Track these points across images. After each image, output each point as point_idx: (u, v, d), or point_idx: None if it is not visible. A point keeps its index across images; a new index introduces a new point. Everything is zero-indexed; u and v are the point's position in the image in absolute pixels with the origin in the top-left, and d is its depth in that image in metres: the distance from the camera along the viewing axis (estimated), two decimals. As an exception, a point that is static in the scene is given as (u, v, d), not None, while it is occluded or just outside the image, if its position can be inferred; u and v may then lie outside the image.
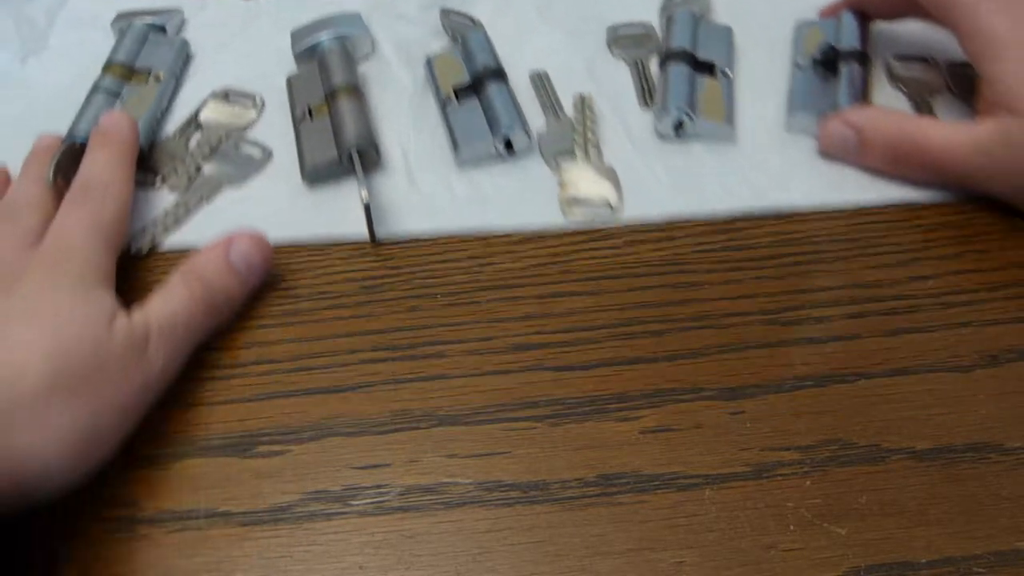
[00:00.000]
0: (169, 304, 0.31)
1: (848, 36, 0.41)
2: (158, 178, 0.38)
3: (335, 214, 0.37)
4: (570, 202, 0.37)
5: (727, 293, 0.34)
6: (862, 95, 0.39)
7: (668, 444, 0.30)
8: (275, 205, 0.38)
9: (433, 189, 0.38)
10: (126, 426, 0.29)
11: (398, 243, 0.36)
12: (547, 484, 0.29)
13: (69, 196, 0.33)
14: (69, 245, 0.31)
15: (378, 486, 0.29)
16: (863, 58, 0.40)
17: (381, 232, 0.36)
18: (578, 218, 0.36)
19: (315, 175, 0.38)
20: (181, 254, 0.35)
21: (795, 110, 0.39)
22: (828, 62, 0.40)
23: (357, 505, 0.29)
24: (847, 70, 0.39)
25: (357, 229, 0.36)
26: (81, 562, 0.28)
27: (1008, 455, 0.29)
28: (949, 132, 0.35)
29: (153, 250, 0.36)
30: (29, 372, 0.27)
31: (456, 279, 0.35)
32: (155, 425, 0.31)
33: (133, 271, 0.35)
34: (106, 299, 0.30)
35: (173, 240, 0.37)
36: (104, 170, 0.34)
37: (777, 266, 0.35)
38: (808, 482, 0.29)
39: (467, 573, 0.27)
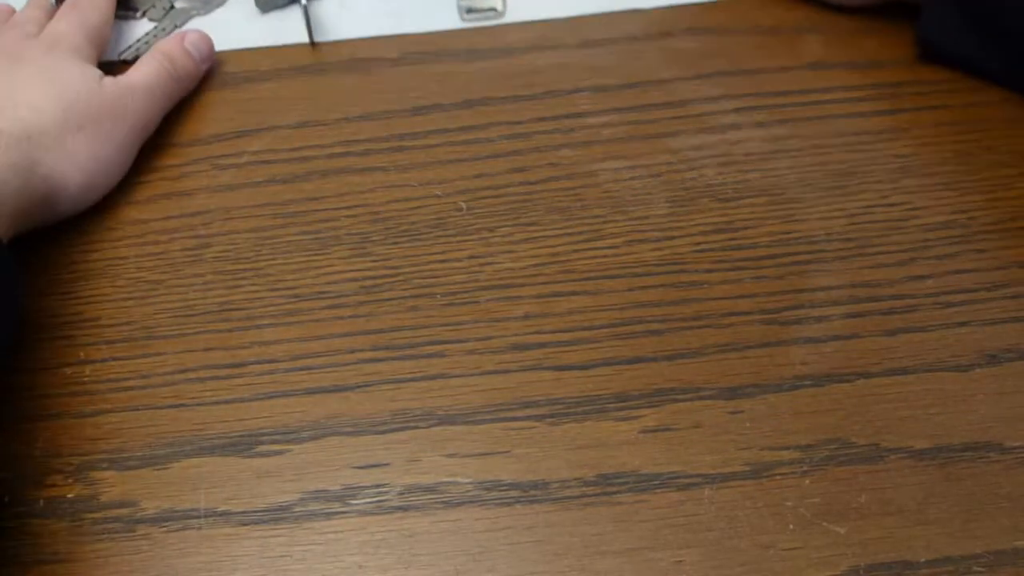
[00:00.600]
0: (142, 70, 0.40)
1: None
2: (139, 12, 0.47)
3: (282, 31, 0.46)
4: (466, 10, 0.46)
5: (726, 293, 0.34)
6: None
7: (667, 444, 0.30)
8: (234, 27, 0.46)
9: (359, 5, 0.47)
10: (123, 160, 0.38)
11: (331, 42, 0.45)
12: (546, 484, 0.29)
13: (61, 9, 0.42)
14: (62, 34, 0.40)
15: (378, 485, 0.29)
16: None
17: (317, 37, 0.45)
18: (470, 23, 0.45)
19: (266, 4, 0.47)
20: None
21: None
22: None
23: (357, 504, 0.29)
24: None
25: (300, 38, 0.45)
26: (81, 562, 0.28)
27: (1007, 454, 0.29)
28: None
29: (136, 59, 0.43)
30: (45, 111, 0.36)
31: (456, 279, 0.35)
32: (155, 425, 0.31)
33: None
34: (94, 68, 0.39)
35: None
36: None
37: (777, 266, 0.35)
38: (807, 481, 0.29)
39: (466, 572, 0.27)
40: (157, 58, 0.41)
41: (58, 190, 0.35)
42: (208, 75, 0.44)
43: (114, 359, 0.33)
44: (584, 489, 0.29)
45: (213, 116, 0.42)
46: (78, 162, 0.36)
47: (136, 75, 0.40)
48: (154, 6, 0.47)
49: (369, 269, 0.36)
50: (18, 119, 0.35)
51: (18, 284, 0.33)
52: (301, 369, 0.33)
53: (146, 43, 0.45)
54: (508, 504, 0.29)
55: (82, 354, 0.33)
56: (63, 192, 0.36)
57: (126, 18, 0.47)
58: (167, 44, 0.42)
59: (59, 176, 0.35)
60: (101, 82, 0.38)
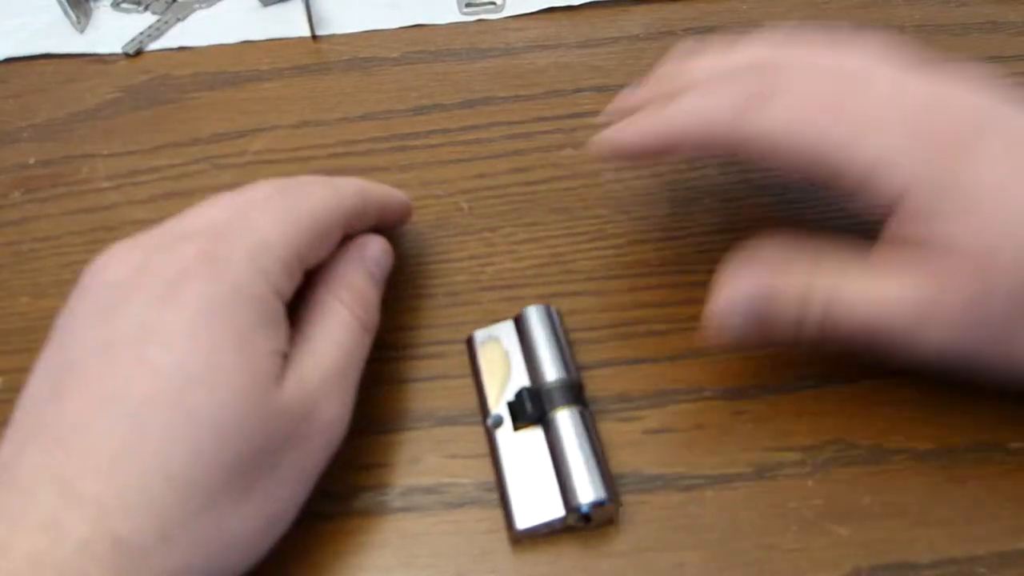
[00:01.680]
0: (333, 334, 0.26)
1: None
2: (142, 6, 0.48)
3: (283, 23, 0.47)
4: (465, 3, 0.47)
5: (729, 293, 0.34)
6: None
7: (670, 444, 0.30)
8: (236, 19, 0.47)
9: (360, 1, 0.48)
10: (307, 492, 0.25)
11: (332, 36, 0.45)
12: (548, 484, 0.29)
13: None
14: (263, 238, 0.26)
15: (378, 486, 0.29)
16: None
17: (319, 30, 0.45)
18: (469, 16, 0.46)
19: None
20: (161, 52, 0.45)
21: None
22: None
23: (357, 505, 0.29)
24: None
25: (301, 31, 0.46)
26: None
27: (1011, 456, 0.29)
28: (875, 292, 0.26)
29: (139, 52, 0.44)
30: (189, 473, 0.22)
31: (457, 279, 0.35)
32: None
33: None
34: (272, 364, 0.24)
35: (154, 45, 0.46)
36: None
37: (779, 266, 0.35)
38: (810, 482, 0.29)
39: (468, 573, 0.27)
40: (347, 304, 0.28)
41: None
42: (208, 75, 0.44)
43: (114, 359, 0.33)
44: (586, 490, 0.29)
45: (213, 116, 0.42)
46: (230, 540, 0.23)
47: (323, 343, 0.26)
48: None
49: (370, 269, 0.35)
50: (137, 493, 0.21)
51: None
52: (302, 369, 0.32)
53: (148, 37, 0.45)
54: (509, 505, 0.29)
55: (82, 354, 0.33)
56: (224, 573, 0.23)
57: (128, 11, 0.48)
58: (351, 279, 0.29)
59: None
60: (280, 390, 0.24)
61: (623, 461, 0.29)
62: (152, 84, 0.44)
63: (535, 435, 0.29)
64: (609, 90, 0.42)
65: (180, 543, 0.21)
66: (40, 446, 0.22)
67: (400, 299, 0.34)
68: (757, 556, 0.27)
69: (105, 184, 0.39)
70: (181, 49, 0.46)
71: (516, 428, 0.29)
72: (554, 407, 0.29)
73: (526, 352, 0.31)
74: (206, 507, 0.22)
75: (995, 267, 0.24)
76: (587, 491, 0.27)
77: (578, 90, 0.42)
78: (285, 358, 0.25)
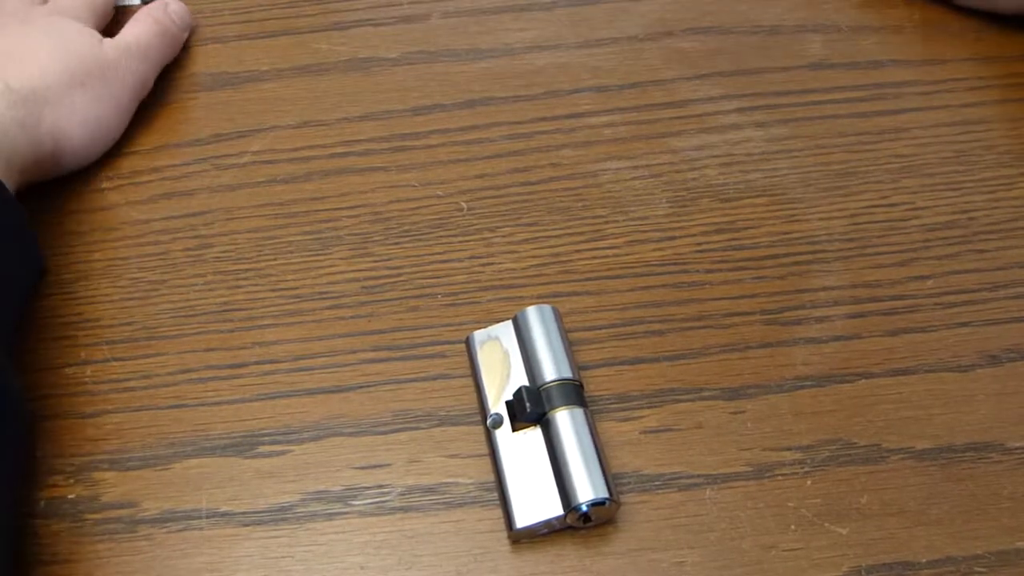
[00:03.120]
0: (136, 31, 0.41)
1: None
2: None
3: None
4: None
5: (727, 293, 0.34)
6: None
7: (669, 444, 0.30)
8: None
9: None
10: (122, 119, 0.40)
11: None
12: (548, 484, 0.29)
13: None
14: (66, 3, 0.42)
15: (379, 486, 0.29)
16: None
17: None
18: None
19: None
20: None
21: None
22: None
23: (358, 505, 0.29)
24: None
25: None
26: (82, 562, 0.28)
27: (1009, 455, 0.29)
28: None
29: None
30: (50, 69, 0.37)
31: (457, 279, 0.35)
32: (156, 425, 0.31)
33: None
34: (95, 32, 0.41)
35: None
36: None
37: (778, 266, 0.35)
38: (809, 482, 0.29)
39: (468, 573, 0.27)
40: (148, 21, 0.42)
41: (62, 145, 0.37)
42: (208, 75, 0.44)
43: (115, 359, 0.33)
44: (586, 490, 0.29)
45: (213, 116, 0.42)
46: (81, 119, 0.37)
47: (131, 36, 0.41)
48: None
49: (370, 269, 0.35)
50: (25, 76, 0.36)
51: (24, 218, 0.34)
52: (302, 370, 0.32)
53: None
54: (510, 505, 0.29)
55: (83, 355, 0.33)
56: (67, 147, 0.37)
57: None
58: (154, 9, 0.44)
59: (63, 132, 0.37)
60: (101, 44, 0.40)
61: (622, 461, 0.30)
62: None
63: (534, 435, 0.29)
64: (608, 90, 0.42)
65: (42, 99, 0.36)
66: None
67: (400, 299, 0.34)
68: (756, 555, 0.27)
69: (105, 184, 0.39)
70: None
71: (515, 428, 0.29)
72: (553, 407, 0.29)
73: (525, 352, 0.31)
74: (60, 84, 0.37)
75: None
76: (586, 490, 0.27)
77: (577, 90, 0.42)
78: (105, 38, 0.40)
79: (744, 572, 0.27)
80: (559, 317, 0.32)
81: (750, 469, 0.29)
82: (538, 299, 0.34)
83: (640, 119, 0.41)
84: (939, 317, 0.33)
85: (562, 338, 0.31)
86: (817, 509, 0.28)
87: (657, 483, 0.29)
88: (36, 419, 0.32)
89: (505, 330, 0.32)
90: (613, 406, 0.31)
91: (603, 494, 0.27)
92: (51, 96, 0.36)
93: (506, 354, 0.31)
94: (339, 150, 0.40)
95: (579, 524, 0.28)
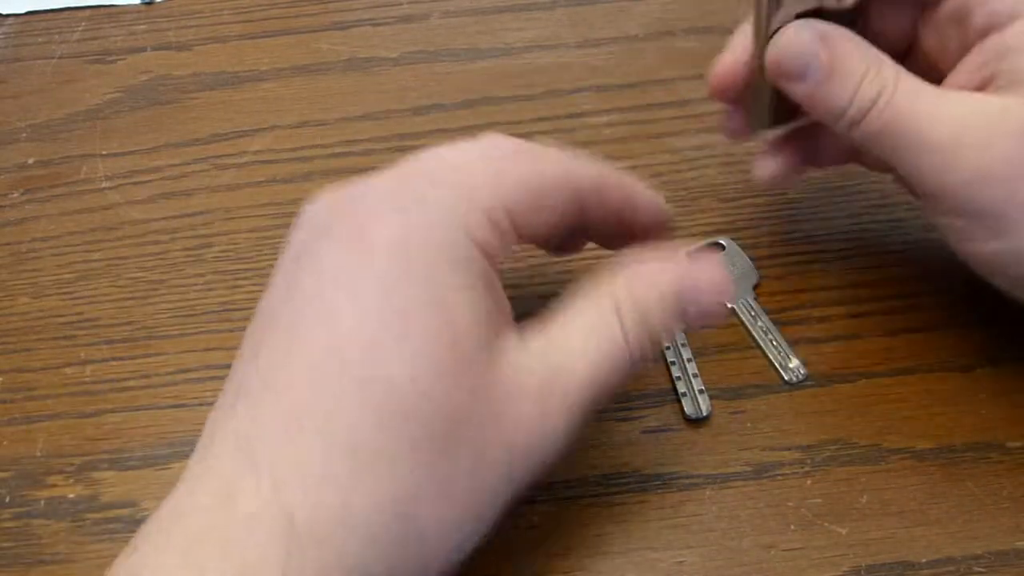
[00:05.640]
0: (593, 349, 0.22)
1: None
2: None
3: None
4: None
5: (727, 293, 0.34)
6: None
7: (669, 444, 0.30)
8: None
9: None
10: (515, 490, 0.22)
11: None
12: (548, 484, 0.29)
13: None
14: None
15: (379, 486, 0.29)
16: None
17: None
18: None
19: None
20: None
21: None
22: None
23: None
24: None
25: None
26: (82, 562, 0.28)
27: (1009, 455, 0.29)
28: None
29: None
30: (360, 456, 0.19)
31: (457, 279, 0.35)
32: (156, 425, 0.31)
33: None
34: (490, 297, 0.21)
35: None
36: None
37: (778, 266, 0.35)
38: (809, 482, 0.29)
39: (467, 573, 0.27)
40: (626, 325, 0.23)
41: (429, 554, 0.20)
42: (208, 75, 0.44)
43: (115, 359, 0.33)
44: (585, 489, 0.29)
45: (213, 116, 0.42)
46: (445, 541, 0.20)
47: (577, 350, 0.22)
48: None
49: (370, 269, 0.35)
50: (312, 491, 0.19)
51: None
52: (302, 369, 0.32)
53: None
54: (509, 504, 0.29)
55: (83, 354, 0.33)
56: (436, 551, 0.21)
57: None
58: (654, 300, 0.23)
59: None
60: (499, 361, 0.21)
61: (622, 461, 0.30)
62: (151, 84, 0.44)
63: None
64: (608, 90, 0.42)
65: (360, 531, 0.18)
66: (232, 403, 0.21)
67: (400, 299, 0.34)
68: (756, 555, 0.27)
69: (104, 184, 0.39)
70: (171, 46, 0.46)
71: None
72: None
73: None
74: (393, 490, 0.19)
75: None
76: None
77: (577, 90, 0.42)
78: (504, 328, 0.22)
79: (744, 572, 0.27)
80: None
81: (750, 469, 0.29)
82: (538, 298, 0.34)
83: (640, 119, 0.41)
84: (939, 317, 0.33)
85: None
86: (817, 509, 0.28)
87: (657, 483, 0.29)
88: (37, 418, 0.32)
89: None
90: (613, 406, 0.31)
91: None
92: (368, 506, 0.19)
93: None
94: (339, 150, 0.40)
95: None
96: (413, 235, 0.21)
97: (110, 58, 0.45)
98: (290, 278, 0.22)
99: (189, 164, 0.40)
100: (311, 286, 0.21)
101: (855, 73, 0.25)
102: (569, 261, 0.35)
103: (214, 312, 0.34)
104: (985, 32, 0.26)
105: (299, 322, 0.21)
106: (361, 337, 0.20)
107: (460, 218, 0.21)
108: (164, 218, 0.38)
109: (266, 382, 0.20)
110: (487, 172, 0.23)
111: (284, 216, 0.38)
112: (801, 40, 0.26)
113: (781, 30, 0.27)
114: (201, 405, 0.32)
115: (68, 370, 0.33)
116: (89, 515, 0.29)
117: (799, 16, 0.27)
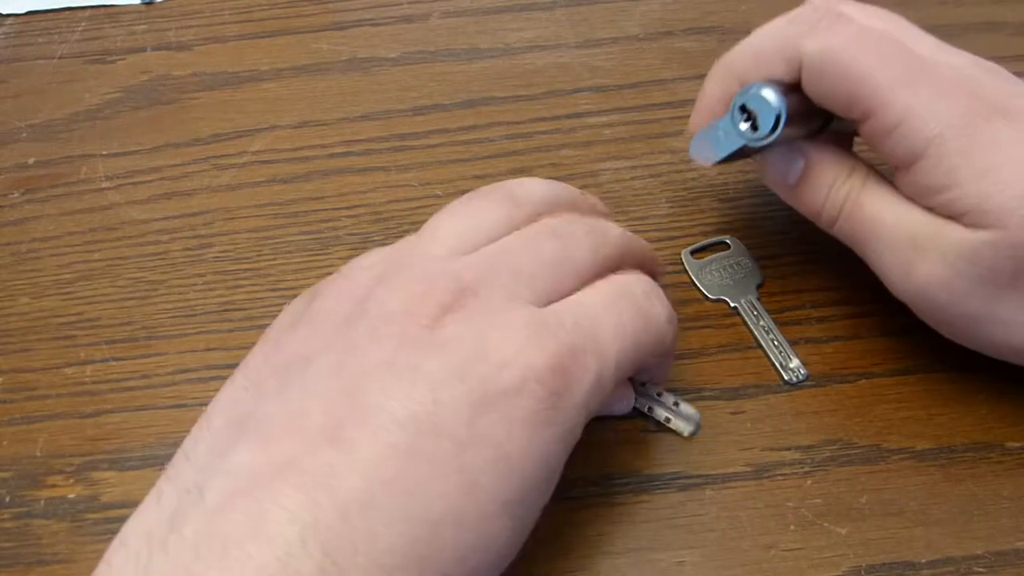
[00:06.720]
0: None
1: None
2: None
3: None
4: None
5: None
6: None
7: (669, 444, 0.30)
8: None
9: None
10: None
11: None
12: (548, 484, 0.29)
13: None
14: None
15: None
16: None
17: None
18: None
19: None
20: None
21: None
22: None
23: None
24: None
25: None
26: (82, 562, 0.28)
27: (1008, 455, 0.29)
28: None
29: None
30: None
31: (457, 279, 0.35)
32: (157, 425, 0.31)
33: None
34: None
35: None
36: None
37: (778, 266, 0.35)
38: (809, 482, 0.29)
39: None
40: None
41: None
42: (208, 75, 0.44)
43: (115, 359, 0.33)
44: (586, 489, 0.29)
45: (213, 116, 0.42)
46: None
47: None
48: None
49: (370, 269, 0.35)
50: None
51: None
52: (302, 369, 0.32)
53: None
54: (509, 504, 0.29)
55: (83, 354, 0.33)
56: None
57: None
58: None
59: None
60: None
61: (622, 461, 0.30)
62: (152, 84, 0.44)
63: None
64: (608, 90, 0.42)
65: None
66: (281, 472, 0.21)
67: (400, 299, 0.34)
68: (756, 555, 0.27)
69: (104, 184, 0.39)
70: (168, 46, 0.46)
71: None
72: None
73: None
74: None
75: (1013, 227, 0.25)
76: None
77: (577, 90, 0.42)
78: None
79: (744, 572, 0.27)
80: None
81: (750, 469, 0.29)
82: (538, 299, 0.34)
83: (640, 119, 0.41)
84: (939, 317, 0.33)
85: None
86: (817, 509, 0.28)
87: (657, 483, 0.29)
88: (37, 418, 0.32)
89: None
90: (613, 406, 0.31)
91: None
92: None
93: None
94: (339, 150, 0.40)
95: None
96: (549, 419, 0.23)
97: (110, 58, 0.45)
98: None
99: (189, 164, 0.40)
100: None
101: (827, 179, 0.30)
102: (569, 261, 0.35)
103: (214, 312, 0.34)
104: (912, 161, 0.27)
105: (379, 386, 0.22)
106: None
107: (592, 408, 0.24)
108: (164, 218, 0.38)
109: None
110: (622, 350, 0.25)
111: (284, 216, 0.38)
112: (785, 156, 0.31)
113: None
114: (201, 405, 0.32)
115: (68, 370, 0.33)
116: (89, 515, 0.29)
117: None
